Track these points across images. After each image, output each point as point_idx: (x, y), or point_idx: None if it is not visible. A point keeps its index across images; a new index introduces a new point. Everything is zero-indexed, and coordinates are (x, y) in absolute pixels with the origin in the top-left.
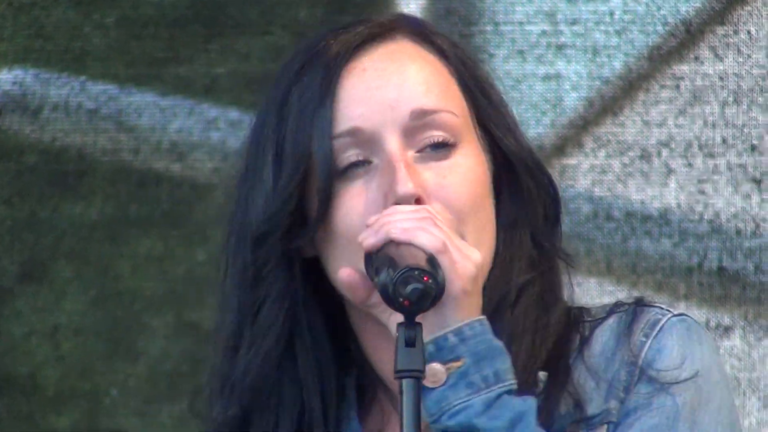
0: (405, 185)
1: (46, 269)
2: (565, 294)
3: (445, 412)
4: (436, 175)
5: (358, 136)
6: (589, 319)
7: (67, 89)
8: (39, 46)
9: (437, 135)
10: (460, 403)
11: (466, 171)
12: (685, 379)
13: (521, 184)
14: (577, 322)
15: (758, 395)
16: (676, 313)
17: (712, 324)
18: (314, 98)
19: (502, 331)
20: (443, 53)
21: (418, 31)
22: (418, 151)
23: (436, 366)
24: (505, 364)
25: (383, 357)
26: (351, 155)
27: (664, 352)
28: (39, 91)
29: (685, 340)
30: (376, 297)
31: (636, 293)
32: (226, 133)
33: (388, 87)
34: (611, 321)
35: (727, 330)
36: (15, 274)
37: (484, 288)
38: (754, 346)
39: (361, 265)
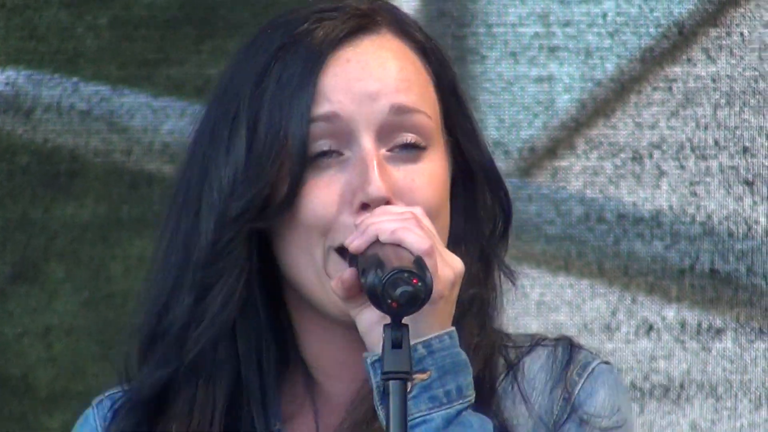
0: (377, 186)
1: (38, 270)
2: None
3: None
4: (405, 177)
5: (334, 122)
6: (511, 344)
7: (59, 90)
8: (31, 47)
9: (410, 136)
10: (420, 416)
11: (433, 175)
12: (615, 427)
13: (476, 194)
14: (500, 346)
15: (750, 397)
16: (603, 359)
17: (704, 326)
18: (294, 81)
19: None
20: (424, 53)
21: (400, 25)
22: (389, 150)
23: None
24: (467, 378)
25: (312, 341)
26: (324, 143)
27: (595, 397)
28: (31, 92)
29: (614, 389)
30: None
31: (628, 295)
32: None
33: (370, 79)
34: (541, 353)
35: (719, 332)
36: (7, 274)
37: None
38: (745, 349)
39: (318, 257)
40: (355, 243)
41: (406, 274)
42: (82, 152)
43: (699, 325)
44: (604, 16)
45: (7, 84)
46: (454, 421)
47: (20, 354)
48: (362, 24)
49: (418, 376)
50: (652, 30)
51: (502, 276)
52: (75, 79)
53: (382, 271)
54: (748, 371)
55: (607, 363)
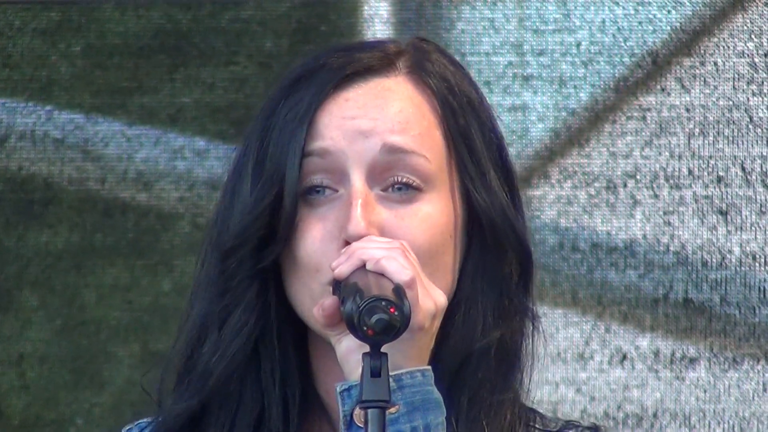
0: (356, 225)
1: (11, 298)
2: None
3: None
4: (395, 216)
5: (326, 158)
6: (539, 427)
7: (33, 118)
8: (5, 75)
9: (403, 176)
10: None
11: (426, 217)
12: None
13: (488, 242)
14: (525, 423)
15: (723, 426)
16: None
17: (678, 355)
18: (296, 118)
19: (461, 392)
20: (437, 99)
21: (419, 71)
22: (383, 190)
23: None
24: (437, 418)
25: (326, 377)
26: (317, 178)
27: None
28: (5, 120)
29: None
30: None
31: (602, 324)
32: (192, 162)
33: (364, 118)
34: None
35: (693, 361)
36: None
37: (449, 337)
38: (719, 378)
39: (316, 291)
40: (340, 268)
41: (383, 303)
42: (56, 180)
43: (672, 354)
44: (578, 45)
45: None
46: None
47: None
48: (375, 65)
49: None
50: (626, 59)
51: (531, 336)
52: (49, 107)
53: (361, 298)
54: (722, 400)
55: None
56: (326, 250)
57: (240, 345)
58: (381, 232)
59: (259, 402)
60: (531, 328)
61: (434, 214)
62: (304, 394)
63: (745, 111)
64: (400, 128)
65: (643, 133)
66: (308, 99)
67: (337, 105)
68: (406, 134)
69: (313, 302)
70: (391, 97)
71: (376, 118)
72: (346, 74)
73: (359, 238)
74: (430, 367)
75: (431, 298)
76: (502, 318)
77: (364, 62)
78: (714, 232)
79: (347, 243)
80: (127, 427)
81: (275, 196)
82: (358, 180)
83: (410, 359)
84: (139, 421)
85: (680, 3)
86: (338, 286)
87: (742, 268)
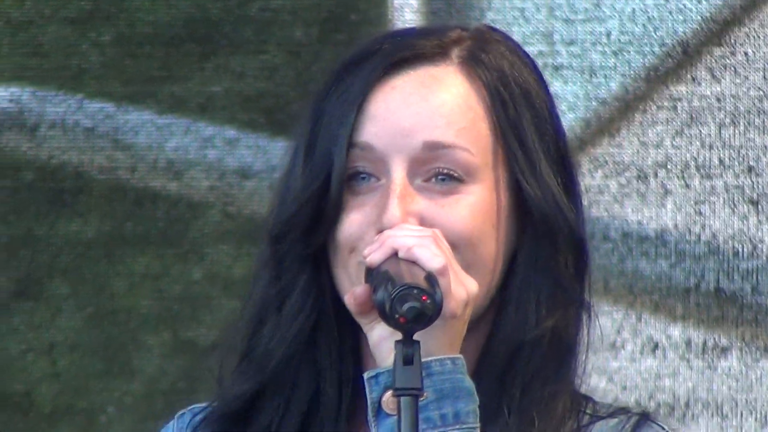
0: (392, 215)
1: (42, 287)
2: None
3: None
4: (435, 204)
5: (369, 152)
6: (590, 412)
7: (63, 107)
8: (36, 64)
9: (445, 168)
10: None
11: (467, 206)
12: None
13: (540, 233)
14: (578, 409)
15: (755, 416)
16: None
17: (710, 344)
18: (345, 104)
19: (513, 382)
20: (488, 91)
21: (473, 60)
22: (425, 180)
23: None
24: (468, 406)
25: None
26: (361, 167)
27: None
28: (36, 109)
29: None
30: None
31: (633, 314)
32: (222, 151)
33: (407, 113)
34: (614, 422)
35: (724, 351)
36: (11, 291)
37: (501, 328)
38: (751, 367)
39: (353, 272)
40: (372, 256)
41: (415, 291)
42: (87, 169)
43: (704, 343)
44: (608, 35)
45: (11, 101)
46: None
47: (24, 370)
48: (426, 52)
49: None
50: (656, 49)
51: (587, 326)
52: (79, 96)
53: (393, 286)
54: (754, 389)
55: None
56: (363, 234)
57: (299, 328)
58: (420, 221)
59: (314, 384)
60: (585, 318)
61: (476, 203)
62: (356, 377)
63: None
64: (444, 122)
65: (674, 123)
66: (358, 85)
67: (383, 93)
68: (448, 128)
69: (351, 284)
70: (437, 88)
71: (419, 112)
72: (394, 61)
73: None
74: (461, 356)
75: (463, 286)
76: (555, 308)
77: (416, 49)
78: (745, 221)
79: (381, 232)
80: (181, 412)
81: (323, 182)
82: (398, 172)
83: (443, 347)
84: (193, 406)
85: None
86: (370, 273)
87: None
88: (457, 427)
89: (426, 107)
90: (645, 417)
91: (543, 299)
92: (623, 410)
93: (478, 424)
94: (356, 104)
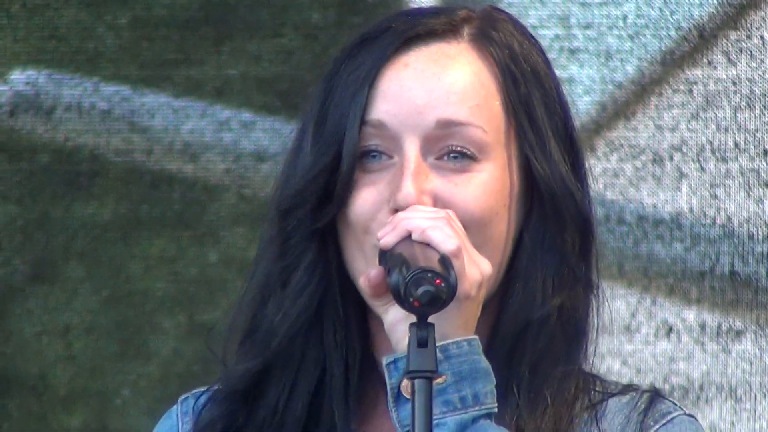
0: (406, 192)
1: (57, 269)
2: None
3: None
4: (448, 182)
5: (382, 129)
6: (599, 390)
7: (80, 90)
8: (52, 47)
9: (458, 146)
10: (434, 420)
11: (480, 185)
12: None
13: (548, 211)
14: (587, 389)
15: None
16: (687, 412)
17: (724, 328)
18: (357, 81)
19: (521, 361)
20: (499, 69)
21: (484, 39)
22: (437, 158)
23: None
24: (486, 387)
25: (384, 337)
26: (373, 145)
27: None
28: (52, 92)
29: None
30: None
31: (648, 297)
32: (238, 134)
33: (421, 90)
34: (624, 398)
35: (739, 334)
36: (27, 273)
37: (508, 306)
38: (765, 350)
39: (368, 251)
40: (386, 238)
41: (429, 274)
42: (103, 152)
43: (719, 326)
44: (625, 18)
45: (27, 83)
46: (470, 428)
47: (39, 353)
48: (438, 30)
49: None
50: (672, 33)
51: (596, 306)
52: (95, 79)
53: (407, 270)
54: None
55: (690, 416)
56: (376, 213)
57: (303, 306)
58: (434, 200)
59: (321, 363)
60: (594, 299)
61: (489, 182)
62: (363, 356)
63: None
64: (456, 99)
65: (690, 107)
66: (370, 62)
67: (396, 70)
68: (462, 105)
69: (366, 263)
70: (450, 65)
71: (432, 89)
72: (407, 38)
73: (408, 207)
74: (476, 337)
75: (477, 267)
76: (562, 287)
77: (428, 27)
78: (760, 204)
79: (396, 211)
80: (183, 397)
81: (333, 158)
82: (412, 150)
83: (457, 328)
84: (195, 390)
85: None
86: (384, 256)
87: None
88: (477, 408)
89: (439, 85)
90: (656, 393)
91: (550, 277)
92: (631, 387)
93: (496, 404)
94: (368, 81)
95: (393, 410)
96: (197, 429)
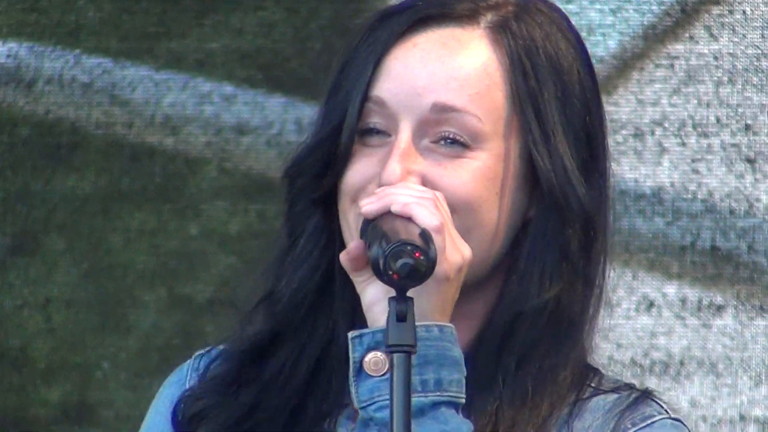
0: (390, 170)
1: (38, 242)
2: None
3: (375, 402)
4: (438, 166)
5: (382, 107)
6: (594, 385)
7: (61, 62)
8: (33, 20)
9: (452, 132)
10: (389, 399)
11: (470, 170)
12: None
13: (548, 202)
14: (580, 383)
15: (750, 374)
16: (673, 416)
17: (705, 303)
18: (368, 57)
19: (511, 352)
20: (509, 55)
21: (503, 24)
22: (432, 142)
23: (380, 355)
24: (452, 375)
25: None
26: (372, 122)
27: None
28: (33, 64)
29: None
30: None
31: (629, 272)
32: (219, 107)
33: (422, 72)
34: (613, 397)
35: (720, 309)
36: (7, 246)
37: (504, 296)
38: (746, 325)
39: (352, 221)
40: (369, 207)
41: (409, 247)
42: (84, 124)
43: (699, 301)
44: None
45: (8, 56)
46: (428, 413)
47: (19, 325)
48: (455, 13)
49: None
50: (654, 7)
51: (598, 301)
52: (77, 51)
53: (387, 242)
54: (748, 348)
55: (676, 420)
56: (365, 184)
57: (306, 273)
58: (422, 181)
59: (330, 333)
60: (590, 294)
61: (480, 169)
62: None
63: None
64: (457, 85)
65: (671, 81)
66: (383, 39)
67: (404, 50)
68: (461, 92)
69: (350, 235)
70: (458, 50)
71: (434, 72)
72: (420, 17)
73: (391, 185)
74: (451, 325)
75: (458, 251)
76: (560, 281)
77: (445, 9)
78: (741, 180)
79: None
80: (199, 353)
81: (335, 130)
82: (405, 130)
83: (434, 310)
84: (211, 347)
85: None
86: (365, 229)
87: None
88: (437, 394)
89: (442, 68)
90: (646, 394)
91: (548, 271)
92: (627, 386)
93: (463, 395)
94: (375, 58)
95: (353, 385)
96: (203, 380)
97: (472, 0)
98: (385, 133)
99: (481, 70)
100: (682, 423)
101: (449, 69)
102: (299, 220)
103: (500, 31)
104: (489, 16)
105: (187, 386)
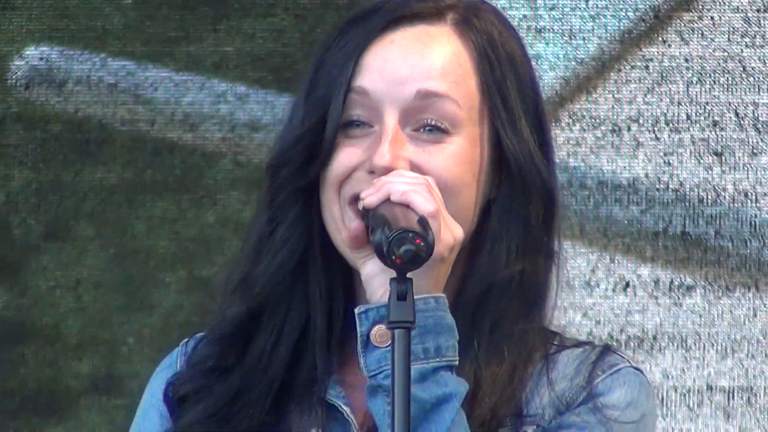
0: (381, 157)
1: (69, 229)
2: (550, 307)
3: (383, 370)
4: (423, 151)
5: (365, 97)
6: (557, 343)
7: (89, 65)
8: (63, 26)
9: (433, 119)
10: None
11: (451, 155)
12: (628, 422)
13: (516, 184)
14: (545, 343)
15: (716, 348)
16: (634, 365)
17: (676, 283)
18: (346, 54)
19: (484, 319)
20: (478, 52)
21: (466, 24)
22: (414, 130)
23: (384, 328)
24: (448, 341)
25: (361, 296)
26: (355, 114)
27: (614, 392)
28: (64, 66)
29: (636, 389)
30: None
31: (607, 255)
32: (233, 106)
33: (403, 64)
34: (578, 351)
35: (689, 289)
36: (41, 232)
37: (475, 268)
38: (713, 304)
39: (336, 210)
40: (370, 198)
41: (410, 234)
42: (110, 121)
43: (671, 282)
44: (587, 0)
45: (41, 59)
46: (430, 378)
47: (52, 305)
48: (424, 11)
49: None
50: (630, 14)
51: (558, 271)
52: (103, 54)
53: (389, 229)
54: (715, 324)
55: (637, 369)
56: (351, 173)
57: (284, 257)
58: (410, 166)
59: (305, 313)
60: (552, 265)
61: (459, 153)
62: (347, 309)
63: (739, 61)
64: (437, 74)
65: (646, 81)
66: (359, 38)
67: (382, 46)
68: (441, 80)
69: (334, 223)
70: (432, 44)
71: (414, 64)
72: (395, 17)
73: (383, 169)
74: (444, 295)
75: (451, 232)
76: (525, 254)
77: (415, 9)
78: (709, 171)
79: (371, 173)
80: (185, 340)
81: (319, 122)
82: (391, 119)
83: (429, 286)
84: (195, 334)
85: None
86: (366, 214)
87: (735, 205)
88: (438, 359)
89: (421, 61)
90: (607, 348)
91: (514, 245)
92: (586, 342)
93: (457, 358)
94: (356, 54)
95: (361, 356)
96: (189, 364)
97: (433, 1)
98: (367, 125)
99: (455, 61)
100: (642, 372)
101: (428, 60)
102: (281, 209)
103: (465, 27)
104: (451, 14)
105: (177, 369)
